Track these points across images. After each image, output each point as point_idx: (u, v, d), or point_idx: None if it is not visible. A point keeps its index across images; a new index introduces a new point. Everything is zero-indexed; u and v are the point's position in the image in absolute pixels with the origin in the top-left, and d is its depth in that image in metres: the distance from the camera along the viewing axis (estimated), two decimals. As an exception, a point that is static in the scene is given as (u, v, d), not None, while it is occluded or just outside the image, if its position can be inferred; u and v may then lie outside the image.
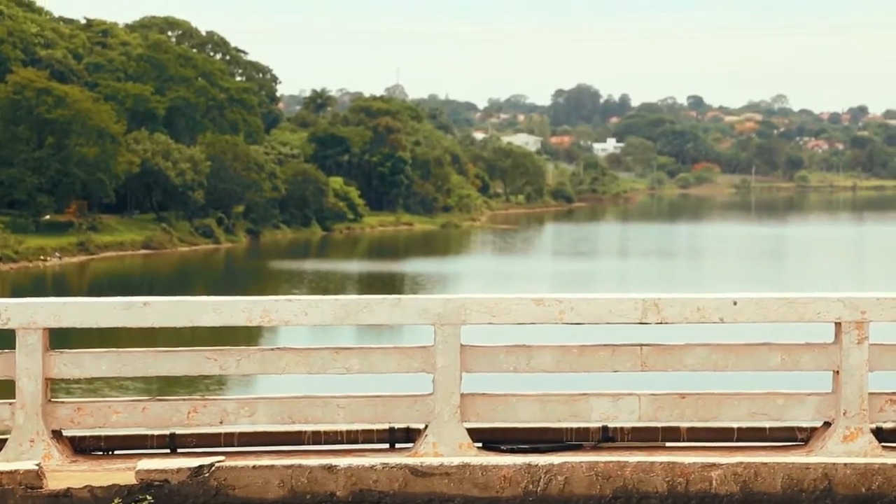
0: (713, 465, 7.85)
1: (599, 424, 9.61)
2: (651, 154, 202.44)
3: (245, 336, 30.90)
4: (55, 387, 9.65)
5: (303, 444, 9.50)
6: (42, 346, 9.16)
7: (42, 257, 76.56)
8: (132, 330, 9.42)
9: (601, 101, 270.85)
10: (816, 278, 58.42)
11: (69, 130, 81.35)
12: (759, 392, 9.51)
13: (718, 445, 9.56)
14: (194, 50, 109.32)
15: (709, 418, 9.51)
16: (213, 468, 7.84)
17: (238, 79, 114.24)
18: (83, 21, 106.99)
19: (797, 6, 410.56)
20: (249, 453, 9.15)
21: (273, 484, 7.83)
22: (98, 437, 9.52)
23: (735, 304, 9.39)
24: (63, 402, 9.38)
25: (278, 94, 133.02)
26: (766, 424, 9.61)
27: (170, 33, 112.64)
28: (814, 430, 9.62)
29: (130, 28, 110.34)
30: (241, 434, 9.49)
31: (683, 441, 9.64)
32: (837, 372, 9.36)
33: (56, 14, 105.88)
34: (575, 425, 9.61)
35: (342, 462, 8.00)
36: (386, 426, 9.57)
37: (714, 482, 7.80)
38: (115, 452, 9.51)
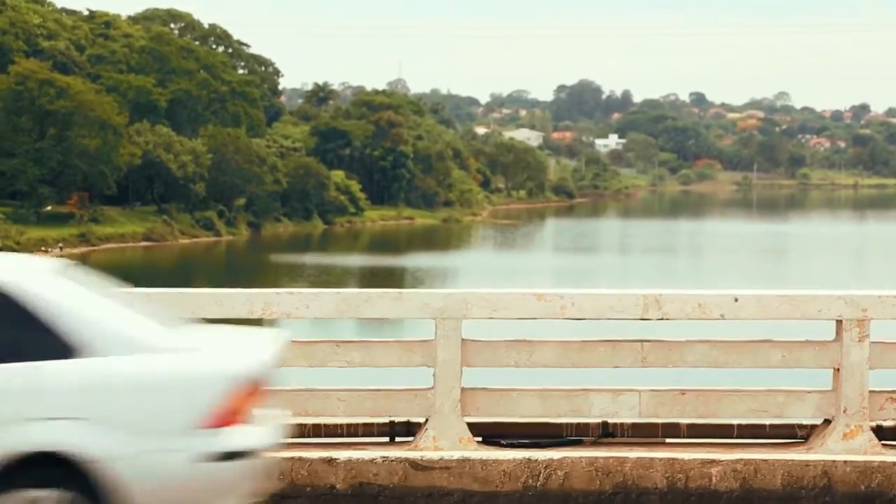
0: (713, 461, 7.86)
1: (599, 420, 9.62)
2: (653, 150, 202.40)
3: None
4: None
5: (303, 436, 9.51)
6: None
7: (43, 248, 76.59)
8: (133, 321, 9.42)
9: (603, 96, 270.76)
10: (818, 276, 58.43)
11: (71, 122, 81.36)
12: (759, 389, 9.51)
13: (718, 442, 9.57)
14: (196, 42, 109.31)
15: (709, 415, 9.51)
16: (214, 460, 7.83)
17: (240, 72, 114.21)
18: (86, 12, 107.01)
19: (800, 4, 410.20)
20: (249, 445, 9.15)
21: (273, 476, 7.83)
22: (98, 429, 9.52)
23: (736, 300, 9.39)
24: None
25: (280, 87, 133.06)
26: (767, 421, 9.61)
27: (172, 25, 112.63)
28: (814, 427, 9.62)
29: (133, 20, 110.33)
30: (242, 426, 9.49)
31: (683, 437, 9.65)
32: (838, 369, 9.36)
33: (59, 5, 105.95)
34: (575, 420, 9.61)
35: (342, 455, 8.00)
36: (386, 420, 9.58)
37: (714, 478, 7.81)
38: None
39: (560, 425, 9.66)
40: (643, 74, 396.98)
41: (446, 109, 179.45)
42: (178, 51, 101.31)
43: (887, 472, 7.80)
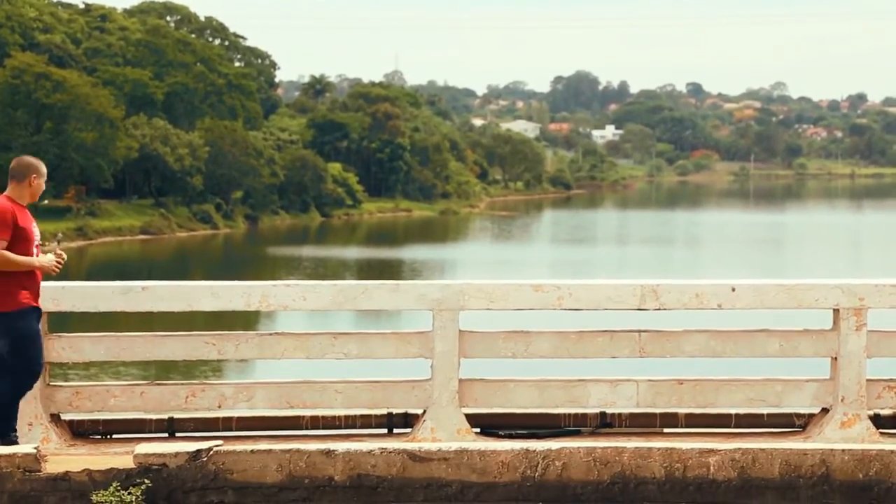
0: (711, 450, 7.86)
1: (597, 410, 9.63)
2: (650, 141, 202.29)
3: (243, 321, 30.91)
4: (53, 371, 9.66)
5: (301, 428, 9.52)
6: (41, 330, 9.16)
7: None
8: (131, 314, 9.43)
9: (600, 87, 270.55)
10: (815, 265, 58.44)
11: (67, 115, 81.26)
12: (757, 378, 9.52)
13: (716, 431, 9.58)
14: (193, 35, 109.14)
15: (707, 404, 9.53)
16: (211, 452, 7.84)
17: (237, 64, 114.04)
18: (82, 6, 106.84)
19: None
20: (247, 438, 9.17)
21: (271, 468, 7.84)
22: (96, 422, 9.53)
23: (733, 290, 9.40)
24: (61, 386, 9.38)
25: (277, 79, 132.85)
26: (764, 410, 9.63)
27: (168, 18, 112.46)
28: (812, 416, 9.63)
29: (129, 13, 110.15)
30: (240, 418, 9.50)
31: (681, 427, 9.66)
32: (835, 358, 9.37)
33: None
34: (573, 411, 9.63)
35: (340, 447, 8.01)
36: (384, 411, 9.59)
37: (712, 468, 7.81)
38: (114, 436, 9.52)
39: (558, 416, 9.67)
40: (640, 65, 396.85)
41: (443, 101, 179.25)
42: (175, 44, 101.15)
43: (885, 461, 7.80)
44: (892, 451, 7.88)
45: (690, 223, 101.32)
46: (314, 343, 9.44)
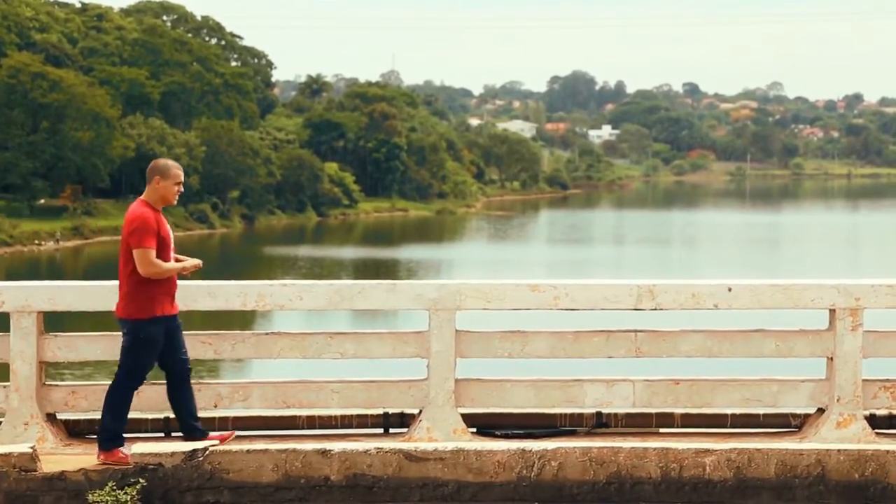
0: (707, 451, 7.87)
1: (594, 410, 9.63)
2: (646, 141, 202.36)
3: (240, 320, 30.90)
4: (49, 370, 9.66)
5: (297, 428, 9.51)
6: (36, 330, 9.16)
7: (36, 241, 76.49)
8: (127, 314, 9.40)
9: (597, 87, 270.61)
10: (811, 265, 58.48)
11: (64, 115, 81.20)
12: (753, 378, 9.53)
13: (712, 431, 9.58)
14: (189, 35, 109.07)
15: (703, 404, 9.53)
16: (207, 452, 7.84)
17: (233, 64, 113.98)
18: (78, 5, 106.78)
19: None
20: (244, 437, 9.16)
21: (267, 468, 7.84)
22: (92, 421, 9.52)
23: (730, 290, 9.40)
24: (57, 386, 9.38)
25: (273, 79, 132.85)
26: (760, 411, 9.63)
27: (165, 18, 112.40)
28: (807, 416, 9.63)
29: (125, 12, 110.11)
30: (236, 418, 9.50)
31: (677, 427, 9.66)
32: (831, 358, 9.37)
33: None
34: (569, 411, 9.63)
35: (336, 446, 8.01)
36: (380, 411, 9.58)
37: (708, 468, 7.81)
38: (110, 436, 9.50)
39: (554, 416, 9.67)
40: (637, 65, 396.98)
41: (440, 101, 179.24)
42: (171, 43, 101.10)
43: (881, 461, 7.81)
44: (887, 452, 7.88)
45: (687, 223, 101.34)
46: (310, 343, 9.44)
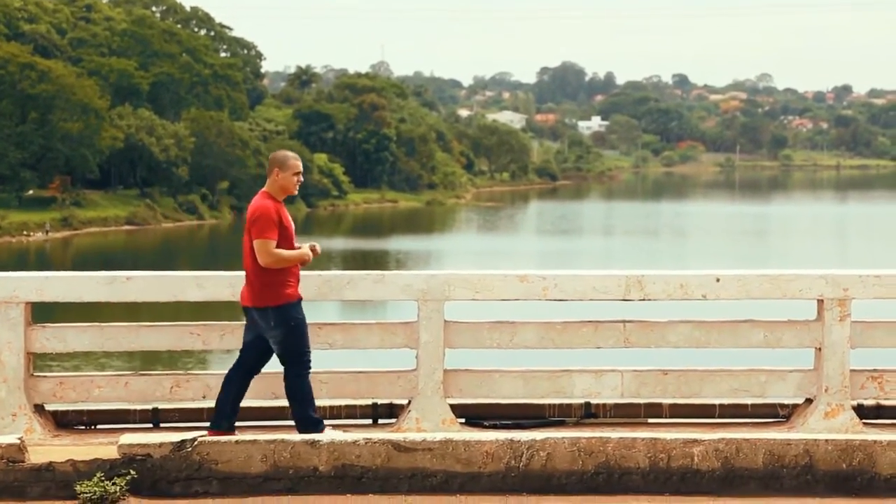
0: (695, 440, 7.87)
1: (582, 401, 9.64)
2: (636, 132, 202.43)
3: (230, 311, 30.88)
4: (38, 361, 9.64)
5: (286, 419, 9.51)
6: (24, 321, 9.15)
7: (25, 232, 76.32)
8: (115, 305, 9.41)
9: (586, 78, 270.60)
10: (800, 256, 58.57)
11: (53, 105, 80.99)
12: (741, 369, 9.55)
13: (700, 422, 9.61)
14: (178, 25, 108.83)
15: (691, 395, 9.55)
16: (196, 443, 7.83)
17: (222, 55, 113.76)
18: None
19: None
20: (232, 428, 9.14)
21: (256, 458, 7.83)
22: (80, 412, 9.52)
23: (718, 280, 9.41)
24: (45, 377, 9.36)
25: (263, 70, 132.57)
26: (749, 401, 9.65)
27: (154, 8, 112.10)
28: (796, 406, 9.66)
29: (114, 3, 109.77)
30: (224, 409, 9.48)
31: (666, 417, 9.69)
32: (819, 349, 9.39)
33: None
34: (558, 401, 9.64)
35: (325, 437, 8.00)
36: (369, 402, 9.59)
37: (696, 458, 7.82)
38: (98, 427, 9.51)
39: (543, 406, 9.68)
40: (626, 56, 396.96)
41: (429, 92, 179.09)
42: (160, 34, 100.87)
43: (868, 451, 7.83)
44: (874, 442, 7.90)
45: (676, 214, 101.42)
46: (299, 333, 9.42)
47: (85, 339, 9.37)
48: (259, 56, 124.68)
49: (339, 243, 73.26)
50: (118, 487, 7.63)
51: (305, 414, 8.75)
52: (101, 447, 8.31)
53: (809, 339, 9.43)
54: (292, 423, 8.87)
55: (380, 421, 9.62)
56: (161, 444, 7.80)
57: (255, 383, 9.27)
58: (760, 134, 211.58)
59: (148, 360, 26.62)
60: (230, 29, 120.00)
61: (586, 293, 9.44)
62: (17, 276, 9.36)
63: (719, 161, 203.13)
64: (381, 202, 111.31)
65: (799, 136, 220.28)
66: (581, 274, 9.54)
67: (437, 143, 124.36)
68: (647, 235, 79.56)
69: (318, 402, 9.37)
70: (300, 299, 8.85)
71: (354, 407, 9.62)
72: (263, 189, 9.06)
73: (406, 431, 8.99)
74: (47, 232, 77.54)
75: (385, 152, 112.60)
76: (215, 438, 7.94)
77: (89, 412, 9.52)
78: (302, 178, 9.18)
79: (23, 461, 7.78)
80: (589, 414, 9.66)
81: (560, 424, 9.55)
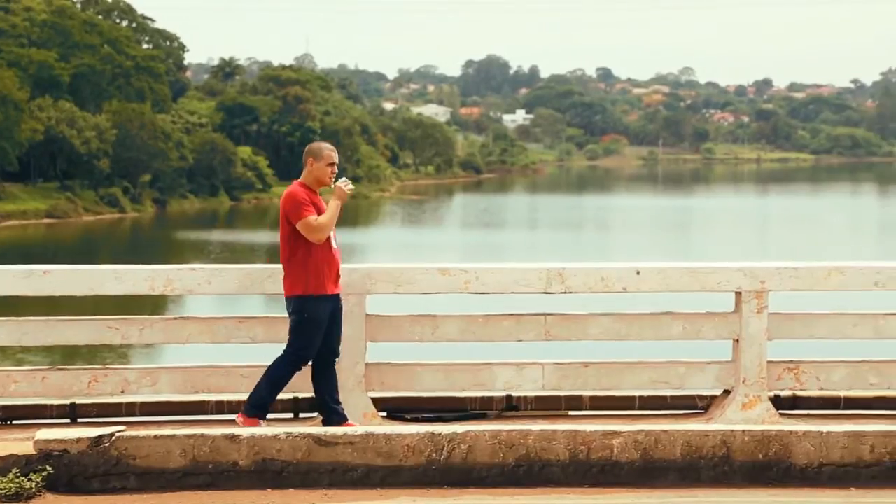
0: (614, 432, 7.93)
1: (503, 393, 9.68)
2: (560, 125, 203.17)
3: (151, 305, 30.60)
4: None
5: (206, 413, 9.46)
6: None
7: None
8: (33, 298, 9.30)
9: (511, 72, 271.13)
10: (720, 249, 59.17)
11: (-30, 97, 79.80)
12: (660, 361, 9.63)
13: (621, 413, 9.68)
14: (100, 16, 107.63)
15: (611, 387, 9.62)
16: (114, 438, 7.76)
17: (145, 46, 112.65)
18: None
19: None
20: (151, 423, 9.10)
21: (175, 453, 7.78)
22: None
23: (638, 273, 9.49)
24: (-40, 373, 9.23)
25: (186, 62, 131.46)
26: (668, 393, 9.74)
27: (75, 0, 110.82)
28: (714, 398, 9.77)
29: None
30: (143, 403, 9.43)
31: (586, 410, 9.75)
32: (737, 340, 9.50)
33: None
34: (479, 394, 9.68)
35: (245, 431, 7.97)
36: (290, 396, 9.56)
37: (615, 450, 7.88)
38: (14, 422, 9.40)
39: (464, 399, 9.71)
40: (550, 50, 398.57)
41: (354, 85, 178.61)
42: (81, 25, 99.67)
43: (784, 441, 7.93)
44: (790, 432, 8.01)
45: (599, 207, 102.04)
46: (220, 327, 9.39)
47: (2, 334, 9.25)
48: (182, 48, 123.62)
49: (264, 237, 72.86)
50: (34, 483, 7.54)
51: (264, 394, 8.87)
52: (16, 443, 8.21)
53: (727, 331, 9.53)
54: (211, 417, 8.83)
55: (301, 415, 9.59)
56: (78, 440, 7.73)
57: (175, 377, 9.22)
58: (683, 127, 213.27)
59: (66, 355, 26.32)
60: (152, 20, 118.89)
61: (508, 286, 9.48)
62: (-68, 270, 9.21)
63: (642, 154, 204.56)
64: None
65: (720, 130, 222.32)
66: (502, 267, 9.58)
67: (362, 137, 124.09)
68: (570, 228, 79.99)
69: (239, 397, 9.34)
70: (325, 294, 8.91)
71: (276, 401, 9.58)
72: (298, 180, 9.17)
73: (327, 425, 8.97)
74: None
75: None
76: (134, 433, 7.87)
77: (5, 407, 9.40)
78: (337, 170, 9.23)
79: (-63, 458, 7.67)
80: (510, 407, 9.71)
81: (481, 417, 9.58)
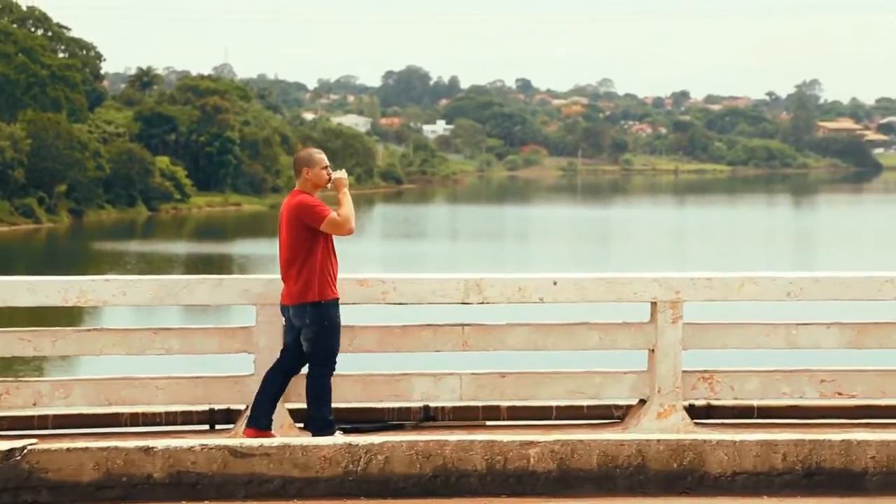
0: (531, 442, 7.96)
1: (421, 404, 9.69)
2: (480, 136, 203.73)
3: (68, 317, 30.24)
4: None
5: (120, 426, 9.37)
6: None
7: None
8: (-58, 311, 9.16)
9: (431, 82, 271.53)
10: (637, 259, 59.64)
11: None
12: (577, 371, 9.68)
13: (538, 423, 9.72)
14: (14, 25, 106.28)
15: (528, 397, 9.66)
16: (25, 451, 7.65)
17: (60, 55, 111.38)
18: None
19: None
20: (64, 436, 8.98)
21: (88, 466, 7.68)
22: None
23: (555, 284, 9.54)
24: None
25: (102, 71, 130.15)
26: (584, 402, 9.80)
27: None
28: (630, 407, 9.84)
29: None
30: (56, 416, 9.31)
31: (504, 420, 9.78)
32: (653, 350, 9.58)
33: None
34: (397, 405, 9.67)
35: (160, 444, 7.89)
36: (206, 407, 9.49)
37: (532, 460, 7.91)
38: (-77, 437, 9.23)
39: (382, 410, 9.70)
40: (470, 61, 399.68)
41: (273, 95, 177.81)
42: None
43: (698, 450, 8.01)
44: (704, 441, 8.08)
45: (519, 218, 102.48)
46: (135, 339, 9.30)
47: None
48: (99, 57, 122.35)
49: (182, 247, 72.30)
50: (-56, 499, 7.42)
51: (321, 413, 8.97)
52: (-74, 458, 8.06)
53: (643, 341, 9.61)
54: (127, 429, 8.74)
55: (217, 427, 9.52)
56: (-11, 454, 7.61)
57: (88, 389, 9.12)
58: (601, 138, 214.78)
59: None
60: (68, 29, 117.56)
61: (425, 297, 9.49)
62: None
63: (562, 165, 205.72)
64: (225, 205, 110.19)
65: (639, 141, 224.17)
66: (420, 277, 9.59)
67: (282, 147, 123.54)
68: (490, 239, 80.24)
69: (154, 409, 9.25)
70: (337, 299, 9.03)
71: (191, 413, 9.52)
72: (295, 189, 9.23)
73: (243, 437, 8.91)
74: None
75: (228, 155, 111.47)
76: (46, 446, 7.76)
77: (-85, 422, 9.23)
78: (331, 170, 9.28)
79: None
80: (428, 417, 9.71)
81: (399, 428, 9.57)
